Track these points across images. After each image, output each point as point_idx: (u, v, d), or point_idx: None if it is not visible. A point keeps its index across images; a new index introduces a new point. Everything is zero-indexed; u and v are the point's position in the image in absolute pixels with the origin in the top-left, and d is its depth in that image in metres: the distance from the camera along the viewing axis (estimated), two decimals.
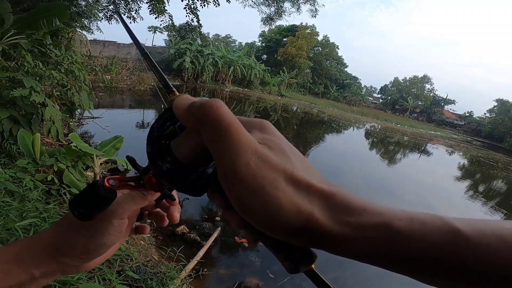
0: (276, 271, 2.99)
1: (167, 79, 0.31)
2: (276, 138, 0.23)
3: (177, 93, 0.28)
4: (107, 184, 0.28)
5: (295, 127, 14.75)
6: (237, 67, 23.19)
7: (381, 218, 0.19)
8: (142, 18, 8.89)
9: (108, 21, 8.84)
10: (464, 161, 16.97)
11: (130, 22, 8.31)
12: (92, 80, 8.62)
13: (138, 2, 8.16)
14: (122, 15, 8.21)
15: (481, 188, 10.55)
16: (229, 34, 71.15)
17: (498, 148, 30.61)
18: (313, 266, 0.23)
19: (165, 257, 2.53)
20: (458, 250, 0.18)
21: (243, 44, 44.33)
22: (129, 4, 8.17)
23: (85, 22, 9.93)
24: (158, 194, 0.34)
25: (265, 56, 38.67)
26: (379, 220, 0.19)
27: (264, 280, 2.84)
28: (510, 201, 9.52)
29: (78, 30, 8.08)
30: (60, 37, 5.40)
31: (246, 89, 25.12)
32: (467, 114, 49.93)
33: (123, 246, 2.19)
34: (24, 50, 3.71)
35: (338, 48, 41.81)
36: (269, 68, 29.60)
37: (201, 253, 2.75)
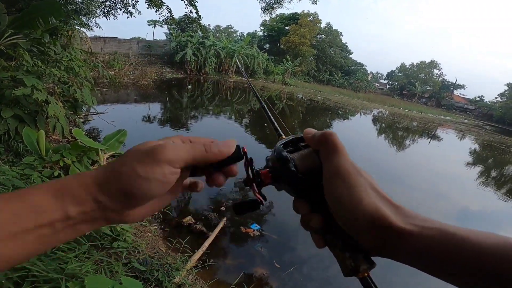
0: (282, 261, 3.01)
1: (278, 127, 0.47)
2: (362, 169, 0.33)
3: (284, 136, 0.43)
4: (245, 149, 0.36)
5: (300, 115, 14.61)
6: (240, 57, 22.92)
7: (440, 225, 0.25)
8: (140, 13, 8.82)
9: (106, 17, 8.79)
10: (476, 146, 16.58)
11: (128, 17, 8.26)
12: (95, 76, 8.66)
13: None
14: (119, 10, 8.16)
15: (494, 173, 10.33)
16: (230, 25, 70.18)
17: (511, 133, 29.71)
18: (369, 272, 0.28)
19: (171, 248, 2.56)
20: (506, 255, 0.21)
21: (245, 34, 43.63)
22: None
23: (83, 19, 9.90)
24: (219, 159, 0.34)
25: (267, 45, 38.05)
26: (440, 226, 0.25)
27: (270, 270, 2.86)
28: None
29: (77, 27, 8.05)
30: (59, 35, 5.39)
31: (250, 79, 24.83)
32: (478, 99, 48.50)
33: (130, 239, 2.22)
34: (23, 49, 3.71)
35: (342, 35, 40.78)
36: (272, 57, 29.14)
37: (206, 243, 2.78)
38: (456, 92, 50.32)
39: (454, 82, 48.84)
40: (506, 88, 40.78)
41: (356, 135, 11.74)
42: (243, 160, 0.37)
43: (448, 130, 21.66)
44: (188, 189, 0.40)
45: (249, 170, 0.38)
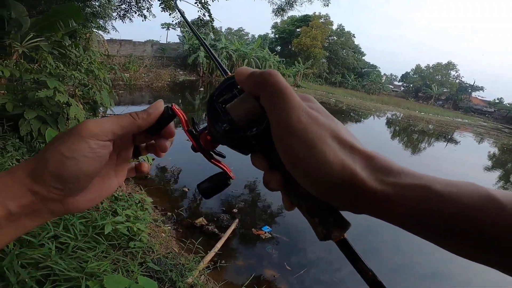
0: (292, 264, 3.00)
1: (223, 66, 0.38)
2: (320, 107, 0.27)
3: (230, 74, 0.33)
4: (174, 107, 0.32)
5: None
6: (251, 59, 23.03)
7: (420, 180, 0.21)
8: (154, 16, 9.02)
9: (122, 20, 9.05)
10: (495, 150, 15.93)
11: (142, 20, 8.47)
12: (112, 78, 8.93)
13: (149, 0, 8.26)
14: (134, 13, 8.37)
15: None
16: (241, 27, 70.59)
17: None
18: (345, 235, 0.24)
19: (184, 249, 2.60)
20: (491, 215, 0.19)
21: (256, 36, 43.81)
22: (140, 2, 8.29)
23: (100, 22, 10.21)
24: (149, 122, 0.32)
25: (279, 47, 38.05)
26: (419, 182, 0.21)
27: (281, 272, 2.86)
28: None
29: (94, 30, 8.34)
30: (78, 38, 5.59)
31: None
32: (497, 101, 46.44)
33: (145, 239, 2.28)
34: (45, 52, 3.88)
35: (354, 37, 40.28)
36: (284, 59, 29.12)
37: (219, 245, 2.81)
38: (474, 94, 48.52)
39: (472, 84, 47.13)
40: None
41: (370, 138, 11.52)
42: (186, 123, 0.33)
43: (466, 133, 20.91)
44: (136, 173, 0.38)
45: (188, 133, 0.33)
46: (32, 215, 0.28)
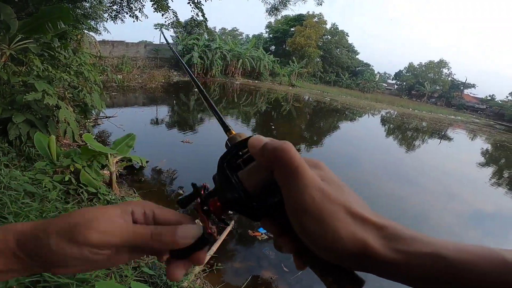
0: (290, 265, 2.97)
1: (224, 119, 0.37)
2: (331, 176, 0.27)
3: (234, 132, 0.34)
4: (209, 230, 0.31)
5: (307, 116, 14.53)
6: (246, 59, 23.00)
7: (430, 247, 0.22)
8: (146, 17, 8.93)
9: (114, 21, 8.94)
10: (488, 146, 16.17)
11: (134, 21, 8.37)
12: (104, 80, 8.82)
13: (141, 1, 8.18)
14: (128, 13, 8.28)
15: (507, 174, 10.04)
16: (235, 27, 70.46)
17: None
18: None
19: None
20: (508, 281, 0.19)
21: (250, 36, 43.79)
22: (132, 3, 8.20)
23: (92, 23, 10.08)
24: (170, 246, 0.29)
25: (273, 47, 38.08)
26: (429, 249, 0.22)
27: (278, 274, 2.84)
28: None
29: (85, 31, 8.22)
30: (68, 40, 5.50)
31: (256, 81, 24.93)
32: (489, 98, 47.17)
33: None
34: (33, 54, 3.80)
35: (348, 36, 40.48)
36: (278, 59, 29.15)
37: (214, 247, 2.77)
38: (466, 91, 49.17)
39: (464, 81, 47.76)
40: None
41: (365, 136, 11.59)
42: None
43: (459, 130, 21.20)
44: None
45: (202, 213, 0.31)
46: (18, 272, 0.28)
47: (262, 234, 3.37)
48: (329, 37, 38.54)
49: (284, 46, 35.86)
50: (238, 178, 0.28)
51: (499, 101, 45.09)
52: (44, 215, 2.05)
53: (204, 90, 0.43)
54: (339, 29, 39.53)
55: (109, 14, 8.98)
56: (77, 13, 7.86)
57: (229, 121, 9.97)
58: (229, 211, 0.31)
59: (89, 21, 9.39)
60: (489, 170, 10.03)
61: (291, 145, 0.25)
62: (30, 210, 1.99)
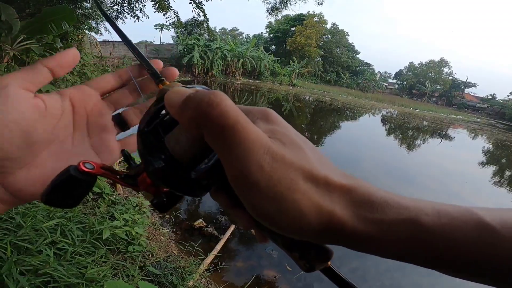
0: (293, 264, 2.97)
1: (153, 66, 0.30)
2: (285, 129, 0.20)
3: (167, 82, 0.27)
4: (82, 168, 0.22)
5: (308, 116, 14.54)
6: (246, 59, 23.01)
7: (406, 213, 0.18)
8: (147, 17, 8.95)
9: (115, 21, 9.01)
10: (489, 146, 16.16)
11: (135, 21, 8.38)
12: None
13: (142, 1, 8.19)
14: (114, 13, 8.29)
15: (509, 173, 10.04)
16: (235, 27, 70.46)
17: None
18: (329, 263, 0.22)
19: (184, 251, 2.58)
20: (485, 247, 0.17)
21: (251, 36, 43.81)
22: (133, 3, 8.22)
23: (93, 23, 10.10)
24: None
25: (273, 47, 38.10)
26: (405, 216, 0.18)
27: (281, 273, 2.85)
28: None
29: (86, 32, 8.24)
30: (70, 40, 5.52)
31: (257, 81, 24.95)
32: (490, 97, 47.35)
33: (144, 243, 2.25)
34: (36, 54, 3.82)
35: (348, 35, 40.55)
36: (279, 58, 29.16)
37: (218, 247, 2.79)
38: (467, 90, 49.23)
39: (465, 80, 47.75)
40: None
41: (366, 136, 11.60)
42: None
43: (460, 129, 21.18)
44: (117, 127, 0.31)
45: (122, 183, 0.25)
46: None
47: None
48: (330, 37, 38.55)
49: (284, 46, 35.86)
50: (163, 144, 0.22)
51: (500, 100, 45.12)
52: (51, 215, 2.07)
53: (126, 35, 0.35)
54: (340, 28, 39.57)
55: (110, 14, 9.01)
56: (78, 13, 7.88)
57: None
58: (164, 189, 0.24)
59: (89, 21, 9.42)
60: (491, 169, 10.04)
61: (222, 95, 0.18)
62: (38, 210, 2.01)
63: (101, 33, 13.01)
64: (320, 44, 35.98)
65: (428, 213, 0.18)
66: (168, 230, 2.98)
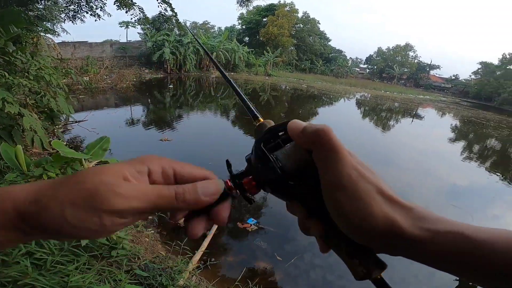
0: (283, 253, 3.03)
1: (251, 106, 0.38)
2: (361, 160, 0.28)
3: (262, 119, 0.36)
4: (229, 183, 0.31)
5: (286, 104, 14.64)
6: (220, 52, 22.60)
7: (455, 226, 0.23)
8: (109, 15, 8.46)
9: (72, 22, 8.41)
10: (457, 122, 17.25)
11: (95, 20, 7.91)
12: (69, 83, 8.27)
13: None
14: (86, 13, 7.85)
15: (477, 148, 10.79)
16: (207, 20, 68.65)
17: (488, 107, 31.04)
18: (381, 274, 0.27)
19: (171, 251, 2.52)
20: None
21: (223, 29, 42.92)
22: (91, 1, 7.73)
23: (48, 25, 9.42)
24: (194, 206, 0.28)
25: (247, 38, 37.66)
26: (453, 228, 0.23)
27: (273, 263, 2.88)
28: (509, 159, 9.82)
29: (42, 34, 7.64)
30: (24, 43, 5.08)
31: (232, 73, 24.64)
32: (453, 77, 50.49)
33: (128, 246, 2.16)
34: None
35: (319, 23, 40.97)
36: (253, 49, 28.92)
37: (205, 243, 2.75)
38: (432, 72, 51.95)
39: (430, 63, 50.38)
40: (479, 66, 42.48)
41: (343, 118, 11.92)
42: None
43: (429, 108, 22.41)
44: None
45: (235, 187, 0.31)
46: (16, 241, 0.24)
47: (251, 225, 3.39)
48: (301, 26, 38.72)
49: (257, 36, 35.57)
50: (277, 158, 0.29)
51: (463, 80, 48.21)
52: None
53: (231, 80, 0.44)
54: (311, 17, 39.86)
55: (66, 15, 8.41)
56: (30, 15, 7.26)
57: (208, 114, 9.81)
58: (260, 191, 0.32)
59: (44, 23, 8.74)
60: (461, 145, 10.74)
61: (330, 128, 0.26)
62: None
63: (58, 35, 12.06)
64: (293, 33, 36.08)
65: (471, 229, 0.23)
66: (152, 232, 2.90)
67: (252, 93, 16.18)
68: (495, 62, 38.93)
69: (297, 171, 0.29)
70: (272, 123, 0.34)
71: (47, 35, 9.31)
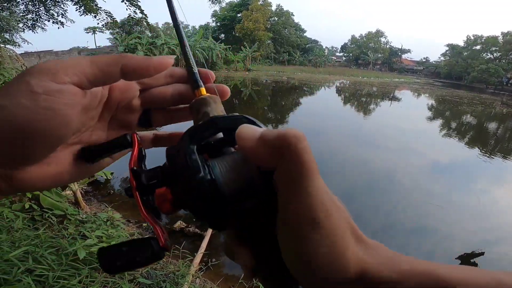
0: None
1: (197, 72, 0.28)
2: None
3: (204, 92, 0.26)
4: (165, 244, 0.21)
5: (268, 98, 14.67)
6: (196, 51, 22.23)
7: (422, 266, 0.21)
8: (72, 21, 8.04)
9: (32, 31, 7.93)
10: (432, 102, 18.01)
11: (58, 28, 7.51)
12: None
13: (62, 5, 7.32)
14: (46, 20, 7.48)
15: (454, 124, 11.32)
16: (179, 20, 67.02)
17: (459, 86, 32.87)
18: None
19: (171, 256, 2.47)
20: None
21: (197, 27, 42.17)
22: (51, 9, 7.32)
23: (6, 36, 8.87)
24: (140, 76, 0.22)
25: (223, 35, 37.27)
26: (422, 268, 0.21)
27: None
28: (485, 134, 10.36)
29: (2, 45, 7.17)
30: None
31: (211, 71, 24.35)
32: (424, 60, 52.86)
33: None
34: None
35: (293, 15, 41.27)
36: (230, 46, 28.65)
37: (204, 244, 2.72)
38: (404, 56, 54.25)
39: (401, 47, 52.33)
40: (447, 48, 44.60)
41: (326, 107, 12.11)
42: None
43: (405, 90, 23.25)
44: (153, 144, 0.30)
45: (132, 174, 0.21)
46: None
47: None
48: (276, 19, 38.78)
49: (233, 32, 35.28)
50: (212, 170, 0.20)
51: (434, 62, 50.54)
52: (17, 244, 1.85)
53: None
54: (284, 9, 39.98)
55: (24, 24, 7.92)
56: None
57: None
58: (179, 209, 0.22)
59: (2, 34, 8.22)
60: (438, 122, 11.23)
61: (302, 135, 0.18)
62: (1, 241, 1.78)
63: (19, 45, 11.31)
64: (268, 26, 36.08)
65: (440, 268, 0.20)
66: None
67: (233, 89, 16.07)
68: (461, 44, 40.96)
69: (236, 192, 0.20)
70: (221, 107, 0.25)
71: (7, 46, 8.74)
